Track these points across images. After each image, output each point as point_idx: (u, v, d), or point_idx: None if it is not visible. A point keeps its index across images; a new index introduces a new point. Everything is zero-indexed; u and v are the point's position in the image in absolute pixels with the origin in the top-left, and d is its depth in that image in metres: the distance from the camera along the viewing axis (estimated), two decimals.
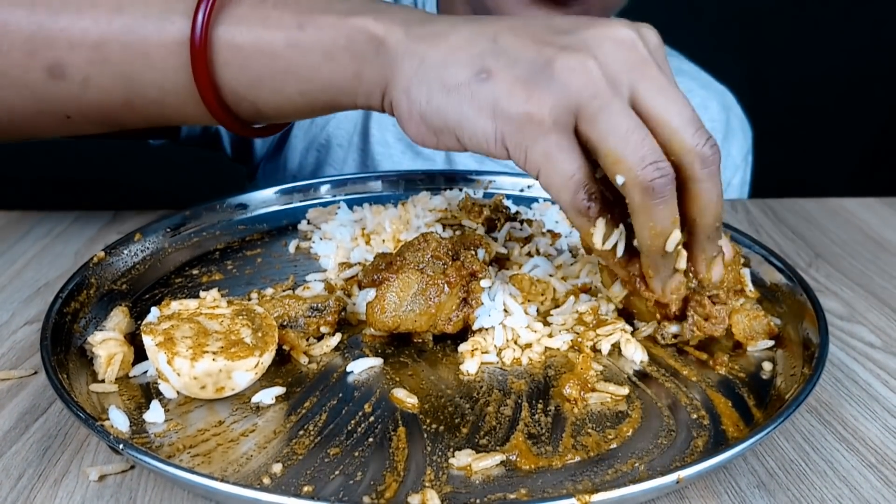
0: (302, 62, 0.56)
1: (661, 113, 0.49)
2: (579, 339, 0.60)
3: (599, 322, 0.61)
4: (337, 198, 0.85)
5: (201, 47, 0.55)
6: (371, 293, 0.60)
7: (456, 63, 0.50)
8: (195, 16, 0.55)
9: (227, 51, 0.57)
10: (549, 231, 0.75)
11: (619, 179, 0.49)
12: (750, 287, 0.63)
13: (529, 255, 0.69)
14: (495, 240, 0.71)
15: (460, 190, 0.85)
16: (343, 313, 0.62)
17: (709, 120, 1.06)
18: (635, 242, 0.54)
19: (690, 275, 0.57)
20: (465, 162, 1.01)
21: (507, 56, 0.49)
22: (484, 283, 0.61)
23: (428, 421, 0.52)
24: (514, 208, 0.79)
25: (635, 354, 0.59)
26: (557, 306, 0.64)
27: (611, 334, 0.60)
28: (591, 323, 0.61)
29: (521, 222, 0.75)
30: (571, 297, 0.63)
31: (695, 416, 0.53)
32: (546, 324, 0.62)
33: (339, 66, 0.55)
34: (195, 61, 0.56)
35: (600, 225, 0.52)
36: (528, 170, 0.51)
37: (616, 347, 0.60)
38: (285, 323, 0.59)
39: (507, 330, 0.60)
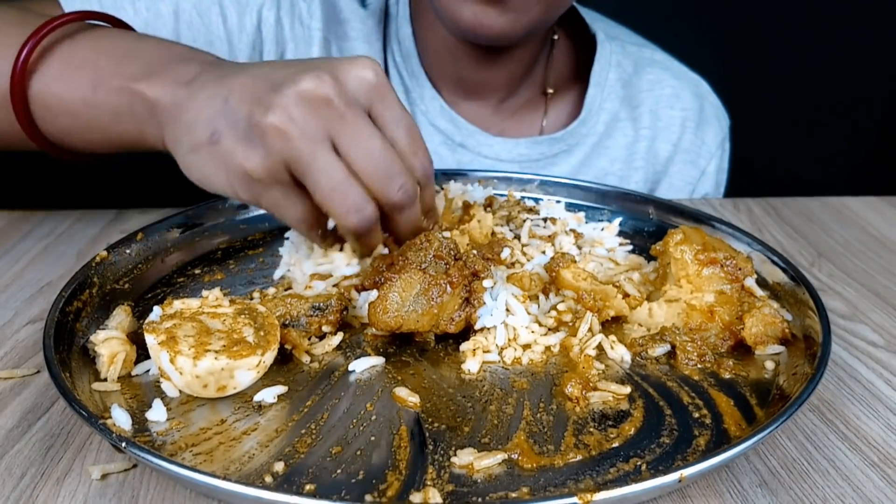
0: (97, 120, 0.66)
1: (356, 165, 0.56)
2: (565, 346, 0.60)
3: (575, 325, 0.61)
4: None
5: (19, 103, 0.67)
6: (373, 294, 0.60)
7: (196, 126, 0.57)
8: (11, 77, 0.66)
9: (39, 107, 0.68)
10: (572, 230, 0.75)
11: (330, 223, 0.59)
12: (759, 292, 0.63)
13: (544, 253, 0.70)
14: (518, 237, 0.71)
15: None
16: (345, 313, 0.62)
17: (681, 109, 1.07)
18: None
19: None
20: (461, 160, 1.02)
21: (231, 117, 0.56)
22: (486, 282, 0.61)
23: (430, 420, 0.52)
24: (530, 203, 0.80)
25: (625, 355, 0.59)
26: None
27: (590, 339, 0.60)
28: (571, 323, 0.62)
29: (545, 220, 0.75)
30: (541, 295, 0.64)
31: (697, 415, 0.53)
32: (541, 324, 0.62)
33: (126, 125, 0.65)
34: (17, 113, 0.67)
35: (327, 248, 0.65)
36: (270, 213, 0.60)
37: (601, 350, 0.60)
38: (287, 322, 0.59)
39: (510, 329, 0.60)
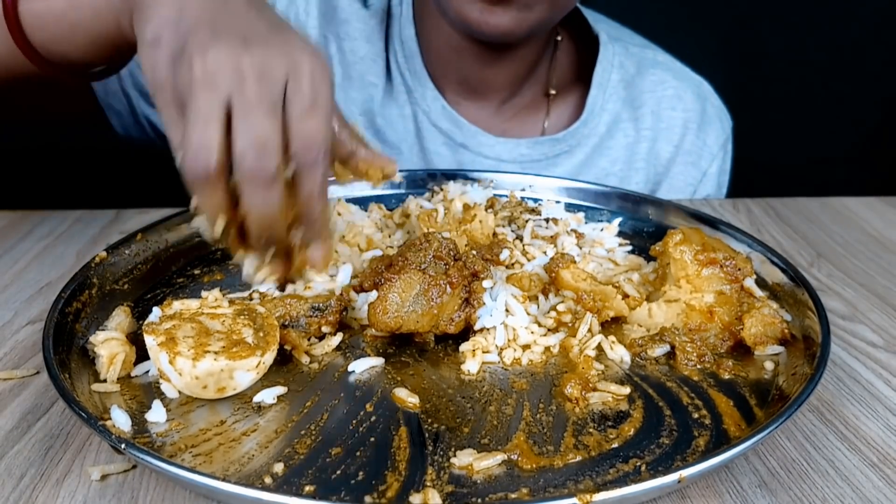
0: (80, 20, 0.70)
1: (234, 129, 0.55)
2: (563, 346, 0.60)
3: (574, 325, 0.61)
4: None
5: (12, 19, 0.70)
6: (372, 295, 0.60)
7: (149, 23, 0.60)
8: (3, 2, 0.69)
9: (30, 18, 0.71)
10: (573, 230, 0.75)
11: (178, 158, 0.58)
12: (758, 293, 0.63)
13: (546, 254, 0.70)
14: (520, 238, 0.71)
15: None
16: (344, 314, 0.62)
17: (683, 110, 1.07)
18: None
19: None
20: (462, 160, 1.02)
21: (175, 33, 0.58)
22: (486, 283, 0.60)
23: (429, 420, 0.52)
24: (532, 203, 0.80)
25: (625, 356, 0.59)
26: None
27: (590, 339, 0.60)
28: (570, 323, 0.61)
29: (547, 220, 0.75)
30: (541, 295, 0.64)
31: (696, 415, 0.53)
32: (540, 325, 0.62)
33: (105, 19, 0.68)
34: (10, 30, 0.71)
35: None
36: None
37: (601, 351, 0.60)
38: (286, 323, 0.59)
39: (509, 330, 0.60)
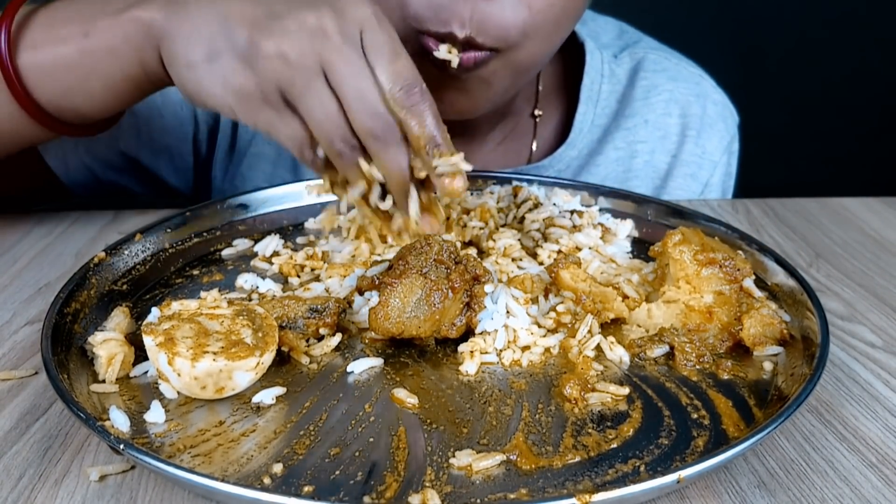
0: (95, 65, 0.65)
1: (343, 95, 0.58)
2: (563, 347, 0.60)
3: (574, 326, 0.61)
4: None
5: (10, 76, 0.65)
6: (372, 299, 0.60)
7: (193, 42, 0.59)
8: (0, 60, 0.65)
9: (33, 73, 0.66)
10: (600, 224, 0.74)
11: (320, 151, 0.62)
12: (757, 293, 0.62)
13: (578, 248, 0.71)
14: (543, 233, 0.72)
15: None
16: (342, 315, 0.62)
17: (679, 116, 1.01)
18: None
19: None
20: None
21: (230, 38, 0.58)
22: (487, 287, 0.60)
23: (428, 421, 0.52)
24: (532, 192, 0.80)
25: (624, 356, 0.59)
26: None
27: (589, 339, 0.60)
28: (570, 324, 0.61)
29: (572, 212, 0.75)
30: (541, 296, 0.64)
31: (695, 415, 0.53)
32: (540, 325, 0.62)
33: (125, 59, 0.64)
34: (11, 88, 0.65)
35: (325, 178, 0.66)
36: (262, 133, 0.62)
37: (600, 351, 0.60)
38: (284, 324, 0.59)
39: (509, 331, 0.60)
